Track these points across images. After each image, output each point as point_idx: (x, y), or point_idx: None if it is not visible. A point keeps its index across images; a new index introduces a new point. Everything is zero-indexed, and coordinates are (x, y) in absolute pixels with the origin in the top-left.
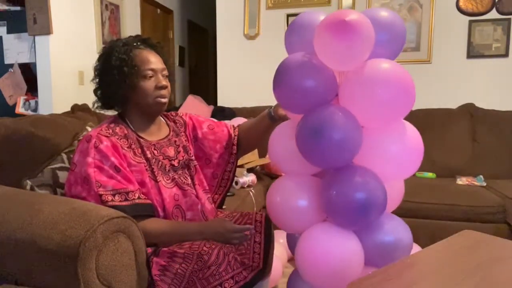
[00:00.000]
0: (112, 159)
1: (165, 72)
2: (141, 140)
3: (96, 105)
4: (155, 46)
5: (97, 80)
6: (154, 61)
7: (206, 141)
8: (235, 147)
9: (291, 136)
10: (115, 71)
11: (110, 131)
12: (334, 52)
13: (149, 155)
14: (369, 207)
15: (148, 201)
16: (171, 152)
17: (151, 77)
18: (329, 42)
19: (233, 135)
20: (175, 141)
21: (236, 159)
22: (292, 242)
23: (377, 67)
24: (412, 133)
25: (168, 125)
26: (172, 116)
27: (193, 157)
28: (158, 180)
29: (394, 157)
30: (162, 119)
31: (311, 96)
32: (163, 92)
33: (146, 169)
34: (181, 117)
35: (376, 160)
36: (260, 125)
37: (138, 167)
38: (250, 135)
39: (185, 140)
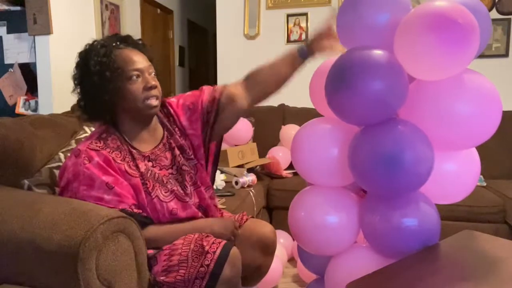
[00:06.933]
0: (103, 177)
1: (152, 70)
2: (134, 151)
3: (81, 118)
4: (137, 43)
5: (78, 90)
6: (138, 60)
7: (191, 128)
8: (210, 115)
9: (323, 142)
10: (95, 77)
11: (101, 143)
12: (433, 60)
13: (142, 169)
14: (419, 237)
15: (144, 214)
16: (167, 159)
17: (137, 78)
18: (430, 47)
19: (204, 104)
20: (171, 143)
21: (209, 125)
22: (305, 256)
23: (467, 80)
24: (474, 156)
25: (162, 123)
26: (165, 110)
27: (191, 156)
28: (154, 196)
29: (450, 180)
30: (155, 117)
31: (384, 107)
32: (153, 92)
33: (142, 183)
34: (168, 109)
35: (431, 182)
36: (286, 68)
37: (133, 180)
38: (269, 82)
39: (180, 138)
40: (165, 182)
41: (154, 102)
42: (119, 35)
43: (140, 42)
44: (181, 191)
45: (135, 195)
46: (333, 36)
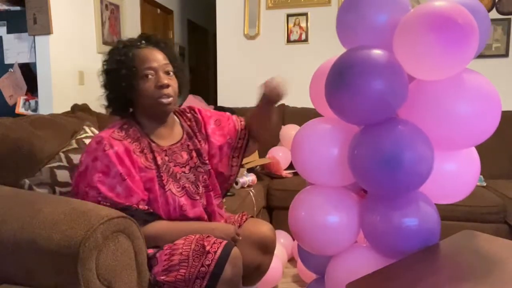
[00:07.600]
0: (119, 167)
1: (169, 68)
2: (153, 144)
3: (107, 111)
4: (158, 42)
5: (103, 84)
6: (154, 58)
7: (214, 137)
8: (241, 141)
9: (324, 142)
10: (113, 75)
11: (123, 133)
12: (433, 60)
13: (159, 162)
14: (419, 237)
15: (150, 210)
16: (183, 157)
17: (151, 76)
18: (430, 47)
19: (239, 128)
20: (188, 146)
21: (242, 153)
22: (305, 256)
23: (467, 80)
24: (473, 155)
25: (182, 126)
26: (187, 113)
27: (207, 161)
28: (167, 189)
29: (450, 180)
30: (176, 118)
31: (384, 107)
32: (165, 91)
33: (157, 176)
34: (196, 114)
35: (431, 182)
36: (260, 111)
37: (148, 173)
38: (255, 124)
39: (199, 142)
40: (178, 178)
41: (165, 100)
42: (144, 35)
43: (162, 41)
44: (192, 189)
45: (147, 189)
46: (272, 85)
